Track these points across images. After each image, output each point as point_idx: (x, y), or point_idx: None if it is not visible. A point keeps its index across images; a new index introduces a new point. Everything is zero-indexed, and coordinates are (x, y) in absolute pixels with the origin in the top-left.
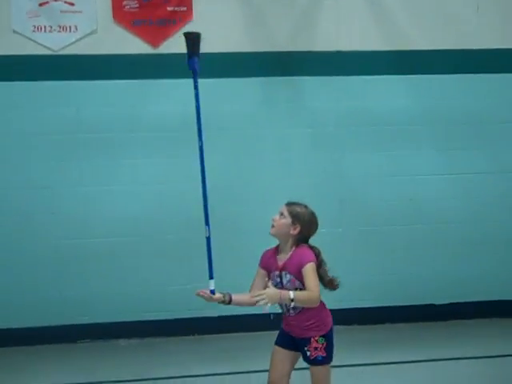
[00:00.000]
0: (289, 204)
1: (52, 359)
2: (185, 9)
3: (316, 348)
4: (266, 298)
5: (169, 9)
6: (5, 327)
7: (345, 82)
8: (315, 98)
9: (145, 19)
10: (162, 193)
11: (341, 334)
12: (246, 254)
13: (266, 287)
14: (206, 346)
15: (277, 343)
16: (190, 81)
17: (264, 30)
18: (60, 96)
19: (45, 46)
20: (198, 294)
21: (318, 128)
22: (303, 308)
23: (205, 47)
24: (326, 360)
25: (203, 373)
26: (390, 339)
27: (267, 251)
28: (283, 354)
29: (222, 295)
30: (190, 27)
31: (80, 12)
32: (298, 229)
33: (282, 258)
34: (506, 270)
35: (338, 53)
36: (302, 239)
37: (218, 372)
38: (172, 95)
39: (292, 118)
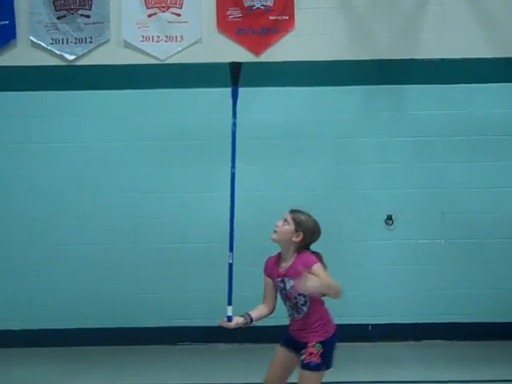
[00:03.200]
0: (293, 211)
1: (151, 359)
2: (287, 18)
3: (311, 353)
4: (312, 285)
5: (271, 18)
6: (107, 326)
7: (448, 91)
8: (417, 106)
9: (248, 28)
10: (261, 200)
11: (440, 348)
12: (345, 260)
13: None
14: None
15: (281, 344)
16: (292, 89)
17: (365, 37)
18: (165, 103)
19: (152, 56)
20: (220, 325)
21: (420, 137)
22: (308, 312)
23: (306, 55)
24: (319, 367)
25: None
26: (489, 356)
27: (270, 259)
28: (284, 353)
29: (243, 318)
30: (291, 36)
31: (186, 22)
32: (300, 236)
33: (284, 265)
34: None
35: (442, 61)
36: (303, 246)
37: None
38: (273, 103)
39: (393, 126)
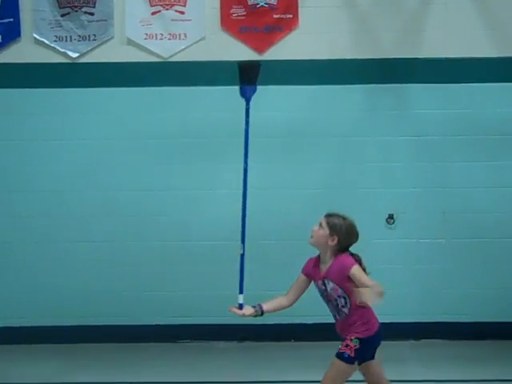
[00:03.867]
0: (328, 215)
1: (152, 357)
2: (291, 16)
3: (347, 345)
4: (367, 297)
5: (275, 16)
6: (108, 324)
7: (451, 90)
8: (420, 105)
9: (251, 26)
10: (264, 198)
11: (440, 347)
12: None
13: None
14: (303, 352)
15: None
16: (295, 88)
17: (369, 36)
18: (168, 101)
19: (155, 54)
20: (230, 311)
21: (423, 136)
22: (348, 314)
23: (309, 54)
24: (351, 361)
25: (299, 379)
26: (489, 356)
27: (310, 259)
28: None
29: (253, 309)
30: (295, 34)
31: (189, 20)
32: (335, 240)
33: (323, 268)
34: None
35: (446, 60)
36: (341, 249)
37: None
38: (276, 101)
39: (396, 125)
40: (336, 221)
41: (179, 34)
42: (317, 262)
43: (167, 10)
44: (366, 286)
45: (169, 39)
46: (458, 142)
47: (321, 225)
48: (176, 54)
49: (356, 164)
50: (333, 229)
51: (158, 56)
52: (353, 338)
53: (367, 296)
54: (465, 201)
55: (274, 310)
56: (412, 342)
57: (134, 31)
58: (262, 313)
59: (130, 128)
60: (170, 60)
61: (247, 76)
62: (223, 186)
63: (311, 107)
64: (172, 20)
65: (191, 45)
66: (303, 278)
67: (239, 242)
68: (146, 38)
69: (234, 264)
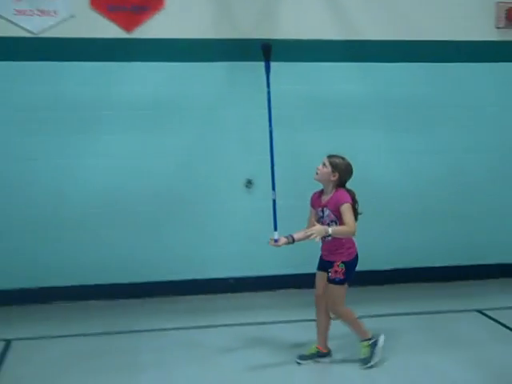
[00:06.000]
0: (330, 156)
1: (27, 318)
2: None
3: (336, 271)
4: (315, 233)
5: None
6: None
7: (303, 68)
8: (276, 81)
9: (120, 5)
10: (133, 167)
11: (293, 295)
12: (208, 221)
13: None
14: (171, 305)
15: (317, 268)
16: (160, 64)
17: (230, 18)
18: (40, 75)
19: (26, 29)
20: (270, 244)
21: (278, 110)
22: (335, 237)
23: (175, 33)
24: (343, 281)
25: (168, 327)
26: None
27: (315, 193)
28: (320, 275)
29: (286, 239)
30: (161, 14)
31: None
32: (336, 176)
33: (325, 198)
34: (440, 239)
35: (298, 41)
36: (340, 184)
37: (181, 326)
38: (143, 77)
39: (254, 100)
40: (337, 160)
41: (49, 11)
42: (320, 194)
43: None
44: (346, 225)
45: (39, 15)
46: (309, 115)
47: (324, 164)
48: (47, 30)
49: (218, 133)
50: (334, 166)
51: (28, 31)
52: (339, 263)
53: (316, 230)
54: (311, 165)
55: (300, 240)
56: (269, 292)
57: (3, 7)
58: (294, 241)
59: (1, 101)
60: (41, 36)
61: (267, 54)
62: (94, 156)
63: (177, 82)
64: None
65: (61, 22)
66: (312, 209)
67: (109, 208)
68: (15, 14)
69: (107, 229)
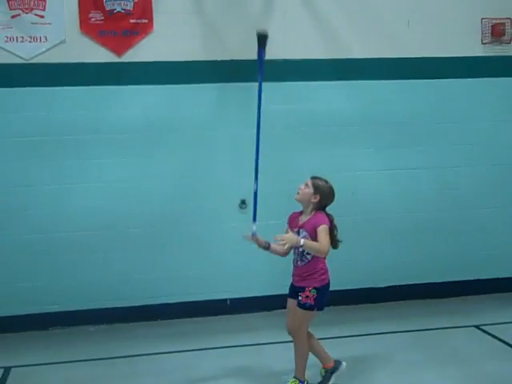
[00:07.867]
0: (313, 178)
1: (25, 345)
2: (146, 21)
3: (307, 296)
4: (286, 240)
5: (131, 21)
6: None
7: (291, 88)
8: (264, 101)
9: (110, 30)
10: (126, 190)
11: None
12: (205, 241)
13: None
14: (169, 329)
15: (288, 295)
16: (150, 87)
17: (218, 40)
18: (31, 101)
19: (17, 55)
20: (244, 237)
21: (267, 129)
22: (310, 260)
23: (164, 56)
24: (312, 307)
25: (165, 350)
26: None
27: (293, 213)
28: (291, 302)
29: (264, 241)
30: (150, 38)
31: (49, 24)
32: (317, 198)
33: (302, 219)
34: (435, 256)
35: (285, 61)
36: (320, 207)
37: (178, 350)
38: (134, 100)
39: (243, 120)
40: (320, 183)
41: (40, 37)
42: (298, 215)
43: (27, 13)
44: (320, 244)
45: (29, 42)
46: (297, 133)
47: (307, 184)
48: (37, 55)
49: (210, 154)
50: (317, 189)
51: (19, 58)
52: (310, 288)
53: (288, 238)
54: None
55: (276, 252)
56: (265, 313)
57: None
58: (269, 247)
59: None
60: (32, 62)
61: (262, 41)
62: (86, 180)
63: (167, 105)
64: (32, 23)
65: (52, 47)
66: (288, 229)
67: (103, 232)
68: (6, 41)
69: (102, 252)
